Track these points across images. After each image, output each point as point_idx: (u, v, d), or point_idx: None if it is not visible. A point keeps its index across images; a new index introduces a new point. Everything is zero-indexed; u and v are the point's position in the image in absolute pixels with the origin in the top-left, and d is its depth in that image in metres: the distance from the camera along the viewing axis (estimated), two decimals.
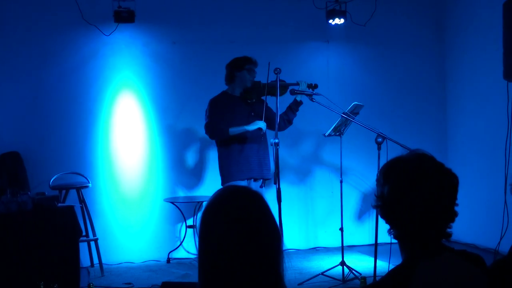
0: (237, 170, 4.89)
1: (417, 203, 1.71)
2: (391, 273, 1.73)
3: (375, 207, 1.80)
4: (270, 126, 5.04)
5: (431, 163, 1.75)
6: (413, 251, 1.75)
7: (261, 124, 4.85)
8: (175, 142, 6.25)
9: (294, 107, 5.06)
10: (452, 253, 1.76)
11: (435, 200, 1.71)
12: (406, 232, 1.75)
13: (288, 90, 5.00)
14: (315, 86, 5.00)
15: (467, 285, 1.73)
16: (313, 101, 4.87)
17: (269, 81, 4.84)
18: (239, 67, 4.98)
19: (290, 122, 5.12)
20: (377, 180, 1.81)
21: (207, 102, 5.06)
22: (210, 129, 4.94)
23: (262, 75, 4.95)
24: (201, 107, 5.13)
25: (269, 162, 5.06)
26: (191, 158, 6.32)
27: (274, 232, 1.52)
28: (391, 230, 1.79)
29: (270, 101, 5.02)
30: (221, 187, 4.07)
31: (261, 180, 5.01)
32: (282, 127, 4.97)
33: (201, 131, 5.31)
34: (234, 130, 4.84)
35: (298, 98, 5.02)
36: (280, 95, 4.76)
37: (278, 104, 4.67)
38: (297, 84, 5.00)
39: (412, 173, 1.73)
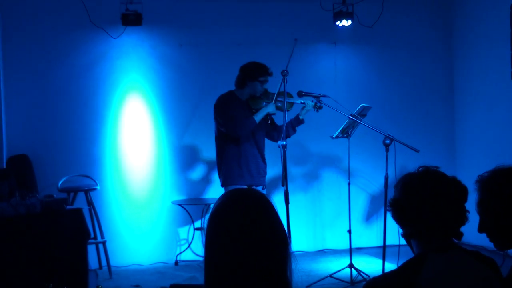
0: (239, 174, 4.84)
1: (426, 207, 1.81)
2: (402, 265, 1.80)
3: (389, 208, 1.91)
4: (270, 136, 5.01)
5: (441, 175, 1.88)
6: (424, 247, 1.83)
7: (272, 109, 4.83)
8: (183, 144, 6.26)
9: (295, 123, 4.94)
10: (464, 251, 1.81)
11: (442, 205, 1.81)
12: (417, 230, 1.84)
13: (294, 107, 4.95)
14: (320, 107, 4.93)
15: (477, 283, 1.75)
16: (321, 107, 4.85)
17: (277, 91, 4.78)
18: (252, 77, 4.83)
19: (288, 137, 4.94)
20: (394, 186, 1.94)
21: (214, 104, 4.98)
22: (236, 124, 4.75)
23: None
24: (208, 110, 5.11)
25: (265, 171, 5.02)
26: (198, 160, 6.33)
27: (280, 234, 1.52)
28: (403, 232, 1.89)
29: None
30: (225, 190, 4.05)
31: (261, 186, 4.98)
32: (282, 139, 4.79)
33: (209, 133, 5.29)
34: (257, 116, 4.77)
35: (301, 116, 4.92)
36: (287, 111, 4.69)
37: (285, 105, 4.64)
38: (303, 103, 4.89)
39: (423, 182, 1.85)
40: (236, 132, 4.78)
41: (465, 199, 1.86)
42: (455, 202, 1.83)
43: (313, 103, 4.88)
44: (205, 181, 6.31)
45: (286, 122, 4.64)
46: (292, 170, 6.25)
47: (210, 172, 6.30)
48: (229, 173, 4.86)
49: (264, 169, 4.99)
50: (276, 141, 4.83)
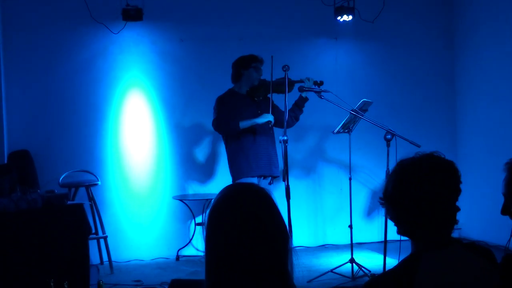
0: (247, 167, 4.86)
1: (418, 196, 1.75)
2: (397, 265, 1.77)
3: (382, 203, 1.87)
4: (277, 123, 5.02)
5: (430, 158, 1.83)
6: (419, 244, 1.78)
7: (270, 117, 4.82)
8: (184, 139, 6.26)
9: (300, 103, 5.06)
10: (459, 245, 1.78)
11: (436, 192, 1.75)
12: (411, 225, 1.79)
13: (295, 87, 4.98)
14: (321, 83, 4.99)
15: (475, 276, 1.74)
16: (321, 98, 4.85)
17: (274, 79, 4.83)
18: (245, 65, 4.97)
19: (297, 119, 5.12)
20: (385, 179, 1.87)
21: (215, 99, 5.04)
22: (220, 123, 4.88)
23: (268, 72, 4.94)
24: (209, 105, 5.12)
25: (278, 160, 5.05)
26: (199, 155, 6.33)
27: (280, 229, 1.51)
28: (399, 229, 1.82)
29: (276, 98, 5.00)
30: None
31: (270, 177, 5.00)
32: (289, 124, 4.96)
33: (210, 129, 5.30)
34: (244, 124, 4.82)
35: (304, 94, 5.02)
36: (288, 92, 4.75)
37: (285, 100, 4.66)
38: (302, 81, 4.97)
39: (410, 167, 1.81)
40: (217, 128, 4.93)
41: (458, 181, 1.80)
42: (449, 188, 1.77)
43: (312, 80, 4.94)
44: (206, 176, 6.31)
45: (288, 109, 4.72)
46: (293, 165, 6.24)
47: (211, 167, 6.30)
48: (237, 167, 4.92)
49: (275, 159, 5.00)
50: (291, 125, 5.05)
